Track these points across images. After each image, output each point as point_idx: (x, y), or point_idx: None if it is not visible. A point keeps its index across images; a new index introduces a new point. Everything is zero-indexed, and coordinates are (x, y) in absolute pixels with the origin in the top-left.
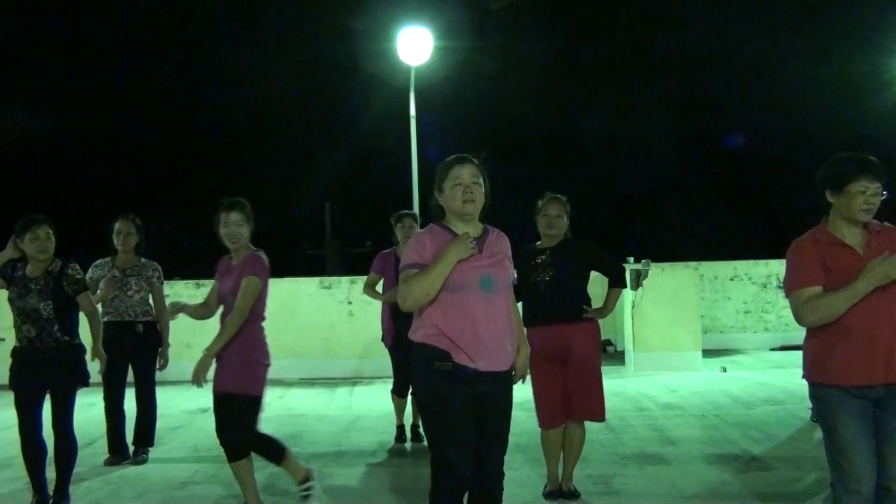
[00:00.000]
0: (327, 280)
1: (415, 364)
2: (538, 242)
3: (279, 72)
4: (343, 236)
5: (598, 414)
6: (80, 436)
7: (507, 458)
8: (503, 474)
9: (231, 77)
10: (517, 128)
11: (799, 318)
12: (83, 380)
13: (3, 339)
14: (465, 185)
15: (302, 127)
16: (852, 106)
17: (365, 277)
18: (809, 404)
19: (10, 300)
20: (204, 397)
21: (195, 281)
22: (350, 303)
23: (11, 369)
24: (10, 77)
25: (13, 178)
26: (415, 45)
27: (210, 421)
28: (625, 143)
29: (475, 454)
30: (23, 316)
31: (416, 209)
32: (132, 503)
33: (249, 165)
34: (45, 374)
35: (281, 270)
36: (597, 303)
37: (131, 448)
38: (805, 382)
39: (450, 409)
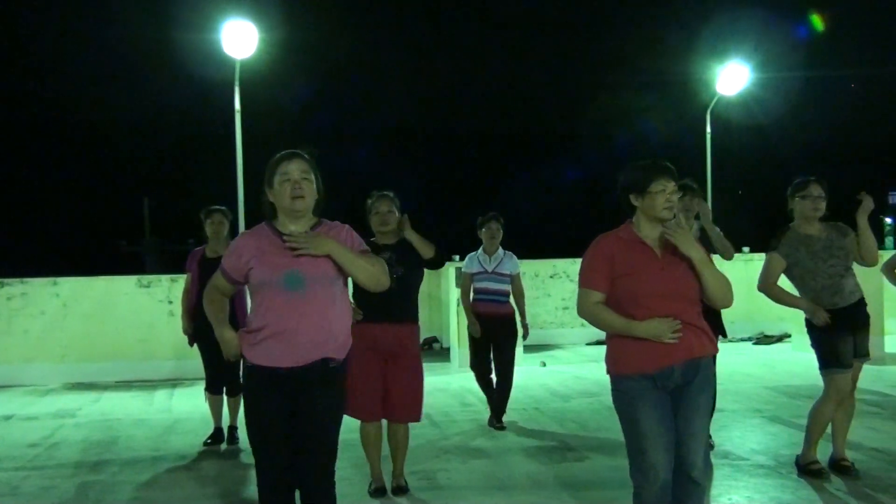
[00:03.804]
0: (146, 278)
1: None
2: (374, 238)
3: (95, 56)
4: (163, 233)
5: (419, 416)
6: None
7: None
8: (330, 473)
9: (42, 62)
10: (350, 120)
11: (579, 311)
12: None
13: None
14: (294, 180)
15: (120, 118)
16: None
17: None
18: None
19: None
20: (5, 405)
21: None
22: (170, 302)
23: None
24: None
25: None
26: (239, 38)
27: (13, 429)
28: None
29: (301, 456)
30: None
31: (241, 206)
32: None
33: (62, 158)
34: None
35: (96, 268)
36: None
37: None
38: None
39: (254, 408)
